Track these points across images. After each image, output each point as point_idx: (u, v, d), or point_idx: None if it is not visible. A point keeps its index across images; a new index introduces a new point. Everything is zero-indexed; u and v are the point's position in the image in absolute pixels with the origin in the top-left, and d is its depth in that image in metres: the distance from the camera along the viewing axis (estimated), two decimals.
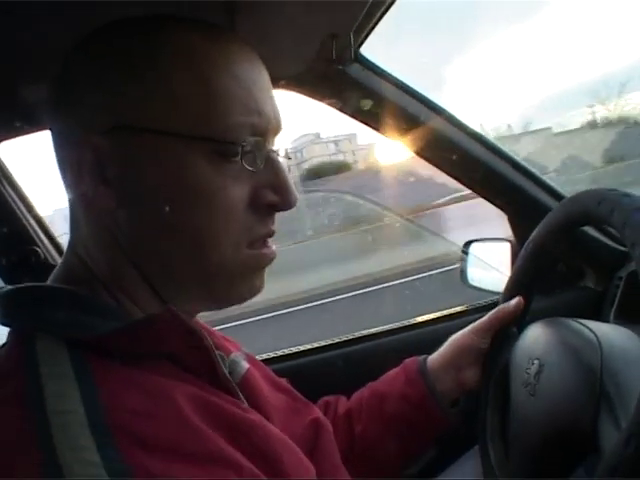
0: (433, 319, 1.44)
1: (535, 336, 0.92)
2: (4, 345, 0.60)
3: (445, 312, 1.47)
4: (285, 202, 0.66)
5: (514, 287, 1.03)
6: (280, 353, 1.41)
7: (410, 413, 0.96)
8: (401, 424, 0.96)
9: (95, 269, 0.64)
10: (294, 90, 1.20)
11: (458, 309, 1.47)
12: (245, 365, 0.79)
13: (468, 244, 1.57)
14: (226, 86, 0.61)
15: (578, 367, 0.79)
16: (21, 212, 1.29)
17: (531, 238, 0.97)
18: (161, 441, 0.52)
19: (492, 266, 1.43)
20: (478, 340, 0.99)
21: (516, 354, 0.94)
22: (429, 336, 1.38)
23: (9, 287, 0.64)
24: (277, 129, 0.67)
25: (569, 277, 1.35)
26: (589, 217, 0.84)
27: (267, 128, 0.65)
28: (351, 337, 1.41)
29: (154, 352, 0.59)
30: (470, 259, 1.55)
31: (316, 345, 1.41)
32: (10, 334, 0.61)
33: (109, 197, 0.61)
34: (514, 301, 0.98)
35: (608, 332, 0.84)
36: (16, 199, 1.29)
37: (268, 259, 0.67)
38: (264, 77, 0.67)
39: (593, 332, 0.83)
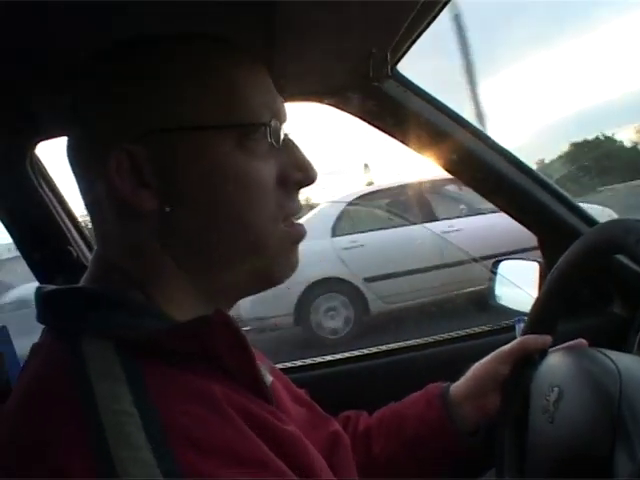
0: (458, 337, 1.45)
1: (556, 364, 0.92)
2: (39, 344, 0.63)
3: (470, 331, 1.47)
4: (309, 178, 0.71)
5: (539, 313, 1.02)
6: (300, 363, 1.42)
7: (429, 437, 0.95)
8: (419, 447, 0.96)
9: (129, 270, 0.66)
10: (328, 104, 1.21)
11: (484, 328, 1.47)
12: (270, 378, 0.78)
13: (497, 263, 1.57)
14: (244, 77, 0.67)
15: (597, 396, 0.79)
16: (57, 212, 1.31)
17: (557, 265, 0.97)
18: (215, 444, 0.53)
19: (519, 286, 1.43)
20: (500, 367, 0.98)
21: (537, 381, 0.93)
22: (453, 354, 1.39)
23: (50, 288, 0.66)
24: (286, 115, 0.73)
25: (596, 301, 1.33)
26: (616, 247, 0.83)
27: (281, 112, 0.71)
28: (373, 351, 1.41)
29: (202, 353, 0.60)
30: (498, 278, 1.55)
31: (338, 357, 1.42)
32: (47, 334, 0.63)
33: (151, 199, 0.63)
34: (542, 338, 0.97)
35: (629, 363, 0.83)
36: (53, 199, 1.32)
37: (302, 234, 0.71)
38: (269, 77, 0.72)
39: (614, 362, 0.82)
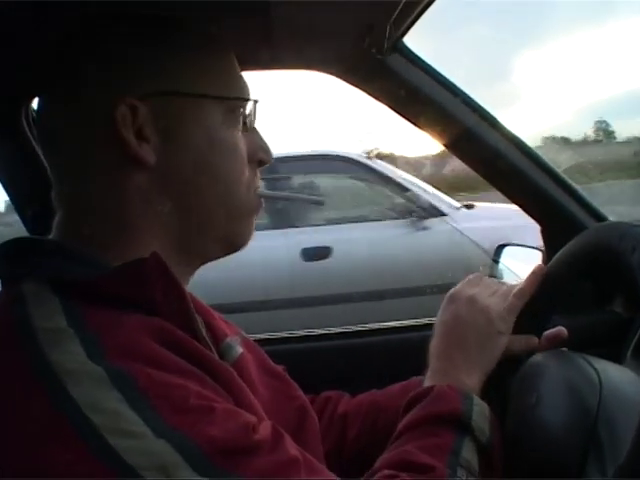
0: None
1: (538, 368, 0.88)
2: None
3: None
4: (268, 159, 0.81)
5: (527, 310, 0.98)
6: (286, 335, 1.41)
7: None
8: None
9: (102, 224, 0.71)
10: (332, 74, 1.19)
11: None
12: (239, 350, 0.82)
13: (501, 247, 1.53)
14: (234, 64, 0.78)
15: (574, 407, 0.76)
16: None
17: (550, 263, 0.93)
18: (146, 355, 0.58)
19: (520, 276, 1.39)
20: None
21: (517, 384, 0.90)
22: None
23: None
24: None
25: (597, 298, 1.28)
26: (610, 253, 0.79)
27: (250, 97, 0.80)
28: (361, 329, 1.40)
29: (136, 299, 0.62)
30: (501, 264, 1.51)
31: (325, 332, 1.40)
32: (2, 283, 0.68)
33: (149, 152, 0.69)
34: (528, 340, 0.93)
35: (613, 375, 0.80)
36: None
37: (262, 205, 0.81)
38: None
39: (597, 372, 0.79)
